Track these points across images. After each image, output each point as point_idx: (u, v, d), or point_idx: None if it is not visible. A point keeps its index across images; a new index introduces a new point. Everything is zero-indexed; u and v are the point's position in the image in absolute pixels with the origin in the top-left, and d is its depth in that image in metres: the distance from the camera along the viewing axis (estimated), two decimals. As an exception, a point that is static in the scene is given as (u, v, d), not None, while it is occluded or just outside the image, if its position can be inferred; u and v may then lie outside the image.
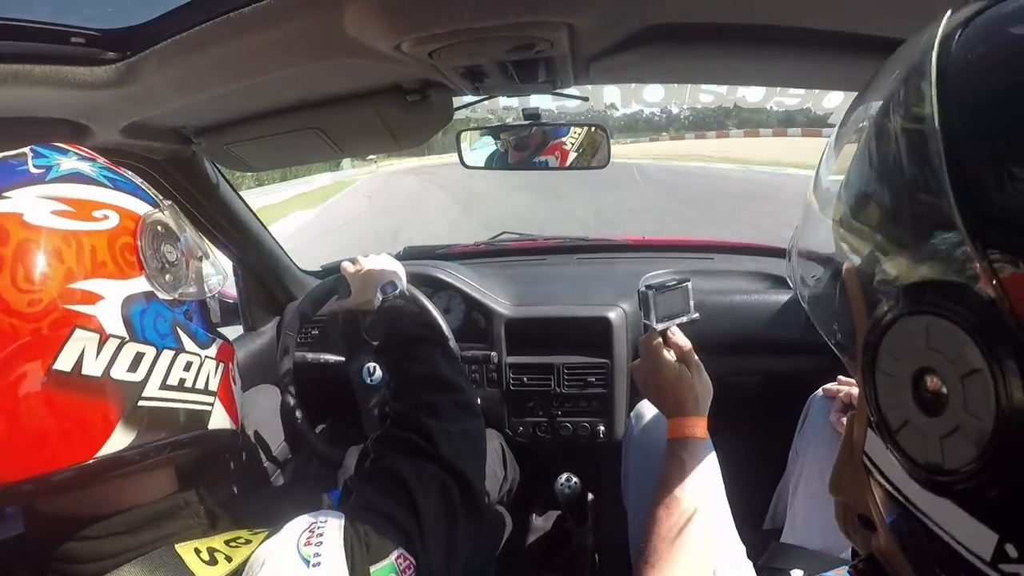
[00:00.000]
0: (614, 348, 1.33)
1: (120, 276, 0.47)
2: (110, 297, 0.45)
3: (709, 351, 1.35)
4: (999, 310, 0.19)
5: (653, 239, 1.86)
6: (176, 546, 0.46)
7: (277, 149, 1.03)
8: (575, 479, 1.22)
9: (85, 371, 0.43)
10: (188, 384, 0.51)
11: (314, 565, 0.47)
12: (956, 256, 0.20)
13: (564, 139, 1.03)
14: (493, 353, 1.31)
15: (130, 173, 0.55)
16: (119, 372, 0.45)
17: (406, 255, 1.66)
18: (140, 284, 0.48)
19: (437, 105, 0.86)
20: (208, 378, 0.53)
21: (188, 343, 0.51)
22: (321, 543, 0.49)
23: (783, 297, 1.40)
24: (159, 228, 0.52)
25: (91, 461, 0.44)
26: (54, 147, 0.51)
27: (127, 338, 0.46)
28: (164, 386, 0.48)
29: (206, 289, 0.57)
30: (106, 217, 0.47)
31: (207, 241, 0.66)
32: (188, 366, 0.51)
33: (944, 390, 0.21)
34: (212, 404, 0.54)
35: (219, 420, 0.54)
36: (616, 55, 0.70)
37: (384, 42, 0.63)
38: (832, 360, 0.34)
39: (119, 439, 0.45)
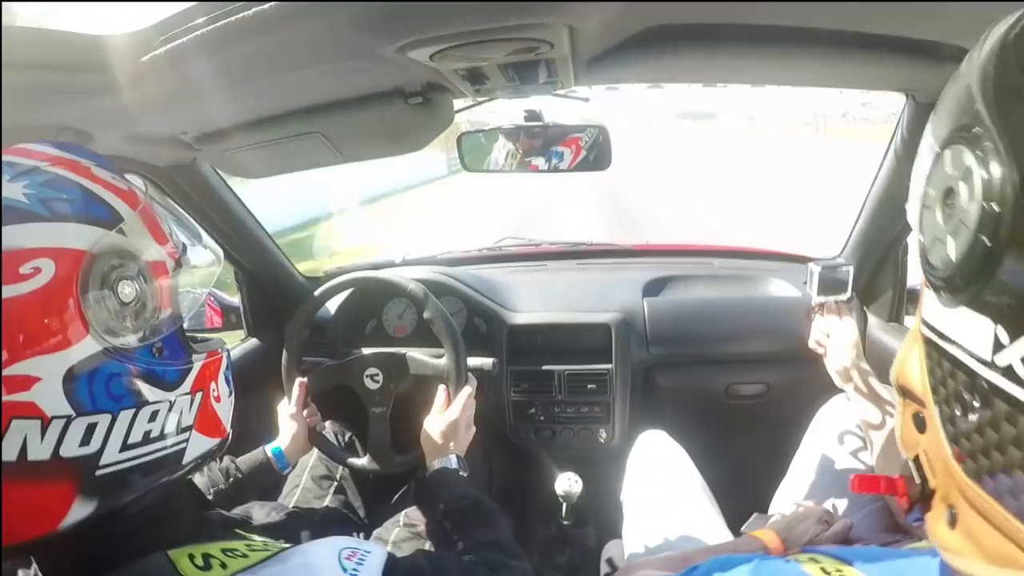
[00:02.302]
0: (615, 354, 1.32)
1: (59, 348, 0.40)
2: (48, 377, 0.39)
3: (712, 360, 1.37)
4: (985, 132, 0.25)
5: (654, 244, 1.85)
6: (169, 552, 0.46)
7: (278, 154, 1.03)
8: (577, 478, 1.22)
9: (31, 457, 0.39)
10: (155, 434, 0.46)
11: (351, 574, 0.49)
12: (970, 112, 0.27)
13: (582, 135, 1.04)
14: (495, 359, 1.30)
15: (88, 164, 0.48)
16: (69, 450, 0.40)
17: (408, 261, 1.66)
18: (86, 347, 0.42)
19: (438, 107, 0.86)
20: (180, 417, 0.49)
21: (152, 393, 0.46)
22: (363, 563, 0.51)
23: (784, 301, 1.40)
24: (112, 262, 0.44)
25: (55, 531, 0.41)
26: None
27: (73, 415, 0.40)
28: (126, 447, 0.44)
29: (184, 308, 0.51)
30: (37, 271, 0.39)
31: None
32: (154, 416, 0.46)
33: (954, 200, 0.27)
34: (187, 440, 0.49)
35: (197, 448, 0.51)
36: (618, 56, 0.70)
37: (385, 46, 0.63)
38: None
39: (80, 510, 0.42)
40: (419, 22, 0.59)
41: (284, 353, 1.17)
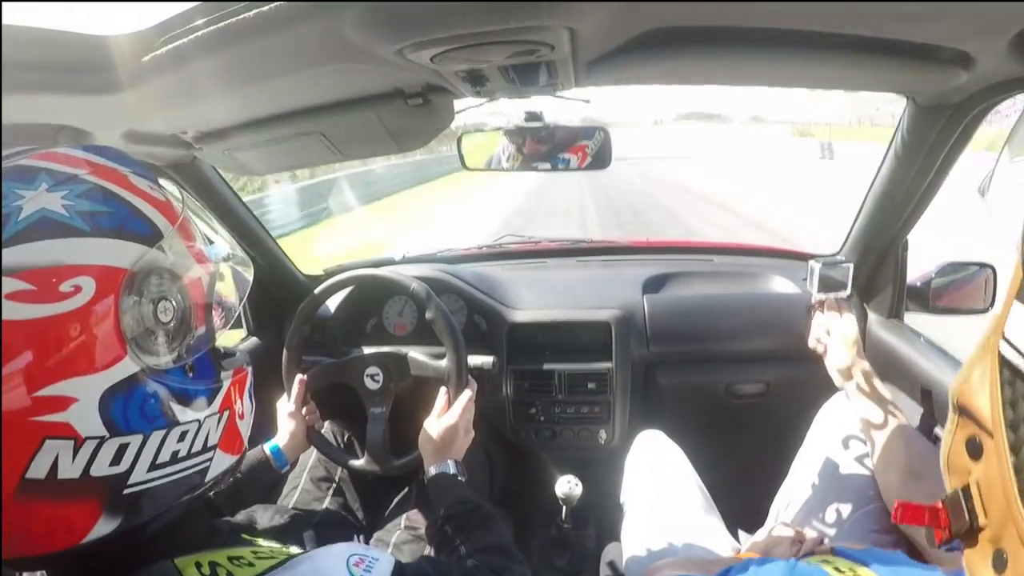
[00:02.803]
0: (615, 352, 1.32)
1: (97, 368, 0.40)
2: (85, 398, 0.39)
3: (712, 358, 1.37)
4: None
5: (654, 241, 1.85)
6: (176, 560, 0.46)
7: (278, 153, 1.03)
8: (577, 481, 1.22)
9: (61, 476, 0.39)
10: (183, 454, 0.46)
11: None
12: None
13: (589, 142, 1.04)
14: (494, 358, 1.30)
15: (125, 173, 0.47)
16: (100, 469, 0.40)
17: (408, 258, 1.66)
18: (124, 368, 0.41)
19: (438, 108, 0.86)
20: (208, 436, 0.48)
21: (184, 413, 0.46)
22: (371, 570, 0.52)
23: (784, 298, 1.40)
24: (152, 281, 0.44)
25: (78, 545, 0.42)
26: (24, 170, 0.42)
27: (107, 436, 0.40)
28: (154, 467, 0.44)
29: (217, 324, 0.50)
30: (77, 290, 0.38)
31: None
32: (183, 436, 0.46)
33: None
34: (211, 459, 0.49)
35: (218, 466, 0.51)
36: (618, 58, 0.70)
37: (385, 47, 0.63)
38: None
39: (104, 527, 0.42)
40: (419, 24, 0.59)
41: (285, 351, 1.17)
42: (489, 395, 1.34)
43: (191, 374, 0.47)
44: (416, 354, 1.15)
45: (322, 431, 1.20)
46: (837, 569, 0.39)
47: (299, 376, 1.14)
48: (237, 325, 1.46)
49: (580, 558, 1.25)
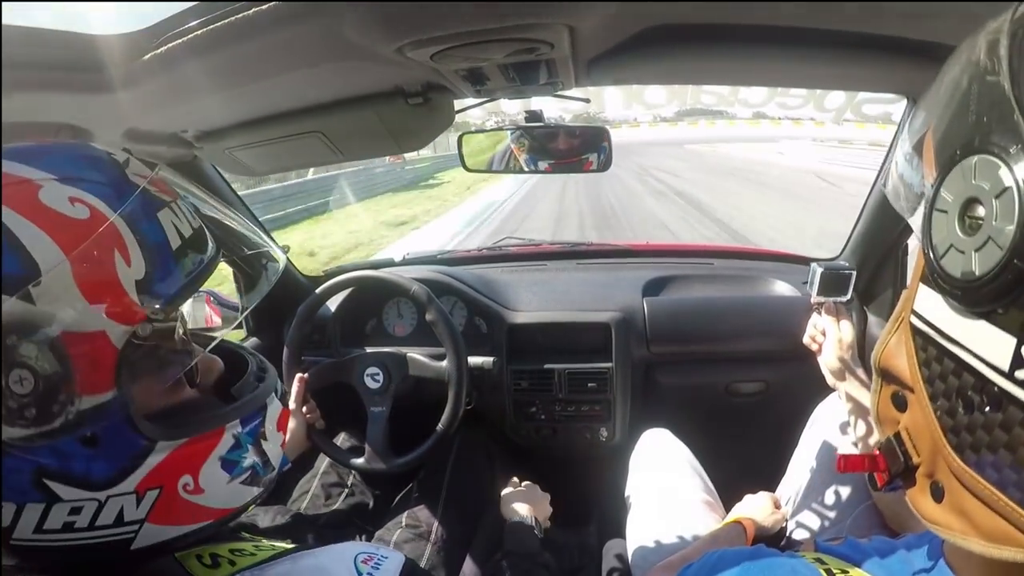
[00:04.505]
0: (615, 353, 1.32)
1: None
2: None
3: (712, 359, 1.37)
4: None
5: (654, 244, 1.85)
6: (177, 554, 0.45)
7: (279, 153, 1.03)
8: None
9: None
10: (81, 526, 0.39)
11: None
12: (1007, 122, 0.25)
13: (590, 143, 1.05)
14: (495, 358, 1.30)
15: (39, 183, 0.38)
16: None
17: (408, 260, 1.66)
18: None
19: (438, 107, 0.86)
20: (121, 512, 0.40)
21: (67, 492, 0.38)
22: (379, 567, 0.51)
23: (783, 300, 1.40)
24: (6, 340, 0.35)
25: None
26: None
27: None
28: (40, 531, 0.38)
29: (151, 381, 0.42)
30: None
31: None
32: (76, 511, 0.39)
33: (981, 212, 0.27)
34: (136, 531, 0.41)
35: (150, 537, 0.42)
36: (617, 56, 0.70)
37: (385, 45, 0.63)
38: None
39: (5, 561, 0.39)
40: (419, 22, 0.59)
41: (285, 349, 1.17)
42: (489, 394, 1.34)
43: (91, 446, 0.38)
44: (416, 355, 1.15)
45: (323, 430, 1.20)
46: (829, 571, 0.40)
47: (299, 374, 1.13)
48: (237, 326, 1.46)
49: (581, 555, 1.24)
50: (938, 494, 0.32)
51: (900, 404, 0.35)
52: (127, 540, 0.41)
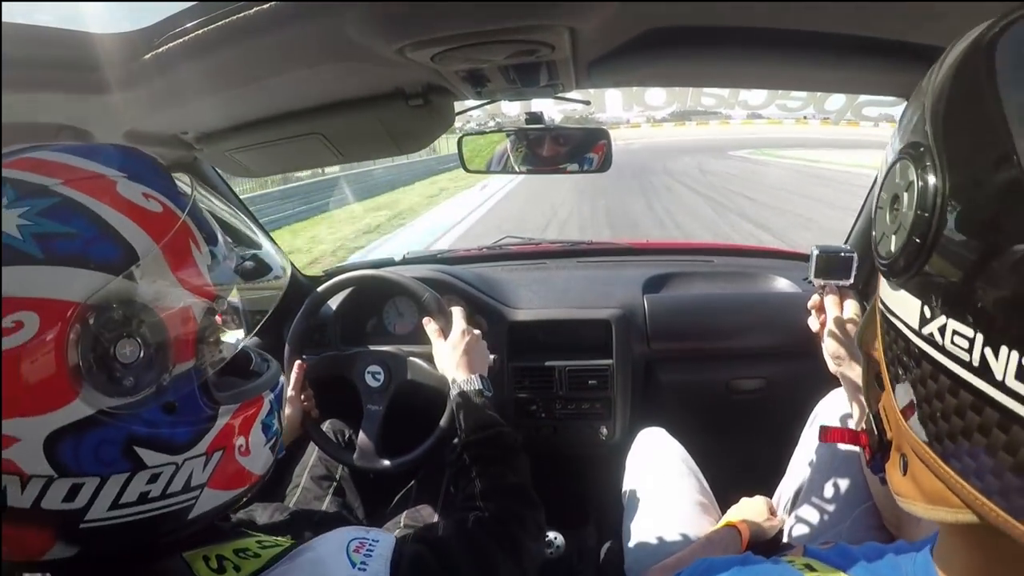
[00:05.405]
0: (615, 350, 1.32)
1: (40, 411, 0.37)
2: (28, 439, 0.37)
3: (712, 356, 1.37)
4: (926, 152, 0.30)
5: (654, 242, 1.85)
6: (184, 554, 0.46)
7: (279, 154, 1.03)
8: (559, 538, 1.26)
9: (11, 503, 0.37)
10: (155, 495, 0.42)
11: (360, 568, 0.49)
12: (919, 131, 0.32)
13: (594, 157, 1.05)
14: (495, 356, 1.30)
15: (114, 179, 0.42)
16: (52, 504, 0.38)
17: (408, 259, 1.66)
18: (73, 411, 0.38)
19: (439, 109, 0.85)
20: (191, 477, 0.44)
21: (153, 457, 0.41)
22: (371, 555, 0.51)
23: (783, 297, 1.40)
24: (111, 315, 0.39)
25: (40, 561, 0.40)
26: None
27: (55, 476, 0.38)
28: (116, 506, 0.41)
29: (213, 358, 0.46)
30: (18, 326, 0.35)
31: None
32: (155, 478, 0.42)
33: (899, 206, 0.32)
34: (196, 497, 0.45)
35: (207, 504, 0.46)
36: (618, 58, 0.70)
37: (386, 46, 0.63)
38: None
39: (60, 551, 0.40)
40: (420, 24, 0.59)
41: (287, 344, 1.18)
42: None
43: (172, 413, 0.43)
44: (418, 359, 1.15)
45: (320, 425, 1.20)
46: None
47: (298, 362, 1.13)
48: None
49: (579, 555, 1.25)
50: (904, 467, 0.35)
51: (879, 384, 0.38)
52: (188, 508, 0.45)
